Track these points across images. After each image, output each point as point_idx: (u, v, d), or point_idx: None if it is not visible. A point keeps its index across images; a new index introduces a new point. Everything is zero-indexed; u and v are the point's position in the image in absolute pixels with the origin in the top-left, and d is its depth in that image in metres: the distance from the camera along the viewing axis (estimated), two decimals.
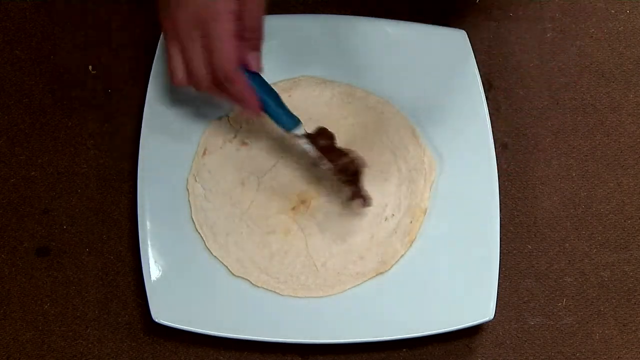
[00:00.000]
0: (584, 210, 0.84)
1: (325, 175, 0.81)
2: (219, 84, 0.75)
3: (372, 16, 0.87)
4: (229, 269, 0.79)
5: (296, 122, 0.78)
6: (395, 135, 0.82)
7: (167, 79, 0.83)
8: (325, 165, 0.79)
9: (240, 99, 0.77)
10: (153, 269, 0.78)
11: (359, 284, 0.79)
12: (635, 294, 0.82)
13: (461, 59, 0.83)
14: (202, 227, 0.80)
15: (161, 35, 0.83)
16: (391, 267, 0.79)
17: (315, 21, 0.85)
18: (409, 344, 0.79)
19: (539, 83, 0.88)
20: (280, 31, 0.84)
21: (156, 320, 0.76)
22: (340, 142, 0.82)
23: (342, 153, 0.79)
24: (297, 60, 0.84)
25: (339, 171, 0.78)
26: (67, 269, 0.82)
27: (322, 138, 0.79)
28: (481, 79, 0.83)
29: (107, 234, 0.83)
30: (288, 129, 0.78)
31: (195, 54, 0.74)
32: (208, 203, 0.80)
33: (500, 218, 0.79)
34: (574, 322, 0.81)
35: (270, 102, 0.78)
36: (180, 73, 0.76)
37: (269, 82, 0.83)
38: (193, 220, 0.80)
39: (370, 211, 0.80)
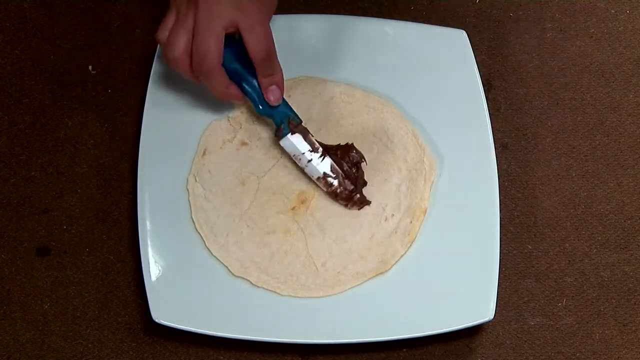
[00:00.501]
0: (584, 210, 0.84)
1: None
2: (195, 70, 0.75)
3: (372, 16, 0.87)
4: (229, 269, 0.79)
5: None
6: (395, 135, 0.82)
7: (168, 78, 0.83)
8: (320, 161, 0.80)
9: (217, 94, 0.77)
10: (153, 269, 0.78)
11: (359, 284, 0.79)
12: (635, 294, 0.82)
13: (461, 59, 0.83)
14: (202, 227, 0.80)
15: None
16: (391, 267, 0.79)
17: (315, 21, 0.85)
18: (409, 344, 0.79)
19: (539, 83, 0.88)
20: (281, 31, 0.84)
21: (156, 320, 0.76)
22: (340, 142, 0.82)
23: (339, 147, 0.81)
24: (297, 60, 0.84)
25: (338, 164, 0.80)
26: (67, 269, 0.82)
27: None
28: (481, 79, 0.83)
29: (107, 234, 0.83)
30: (299, 122, 0.80)
31: (182, 29, 0.73)
32: (208, 203, 0.80)
33: (500, 218, 0.79)
34: (574, 322, 0.81)
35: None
36: (163, 35, 0.75)
37: None
38: (193, 220, 0.80)
39: (370, 211, 0.80)
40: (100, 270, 0.82)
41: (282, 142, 0.80)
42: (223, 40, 0.73)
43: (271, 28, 0.76)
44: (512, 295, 0.81)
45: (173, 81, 0.83)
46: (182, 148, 0.82)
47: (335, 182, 0.79)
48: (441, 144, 0.82)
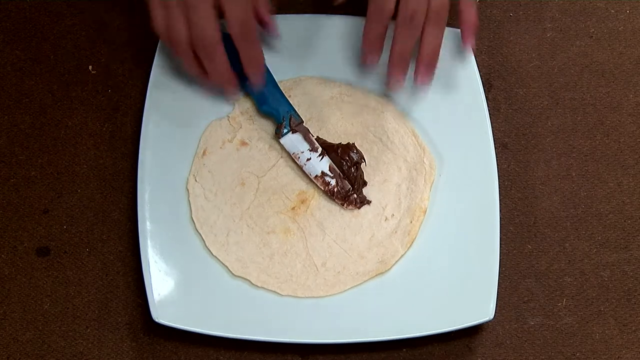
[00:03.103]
0: (584, 210, 0.84)
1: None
2: (196, 53, 0.76)
3: None
4: (229, 269, 0.79)
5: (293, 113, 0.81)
6: (395, 135, 0.82)
7: (168, 78, 0.83)
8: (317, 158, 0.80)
9: (216, 76, 0.78)
10: (153, 269, 0.78)
11: (359, 284, 0.79)
12: (635, 294, 0.82)
13: (461, 59, 0.83)
14: (202, 227, 0.80)
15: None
16: (391, 267, 0.79)
17: (315, 21, 0.85)
18: (409, 344, 0.79)
19: (539, 83, 0.88)
20: (281, 31, 0.84)
21: (156, 320, 0.76)
22: (340, 142, 0.82)
23: (340, 146, 0.81)
24: (297, 60, 0.84)
25: (338, 163, 0.80)
26: (67, 269, 0.82)
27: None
28: (481, 79, 0.83)
29: (107, 234, 0.83)
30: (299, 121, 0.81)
31: (177, 12, 0.74)
32: (208, 203, 0.80)
33: (500, 218, 0.79)
34: (574, 322, 0.81)
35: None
36: (161, 24, 0.76)
37: None
38: (193, 220, 0.80)
39: (370, 211, 0.80)
40: (100, 270, 0.82)
41: (283, 140, 0.80)
42: (215, 15, 0.74)
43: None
44: (512, 295, 0.81)
45: (173, 81, 0.83)
46: (182, 148, 0.82)
47: (333, 182, 0.80)
48: (441, 144, 0.82)
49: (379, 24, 0.79)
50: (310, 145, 0.80)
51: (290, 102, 0.82)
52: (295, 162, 0.81)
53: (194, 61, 0.77)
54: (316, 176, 0.80)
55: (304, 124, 0.81)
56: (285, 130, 0.80)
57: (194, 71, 0.78)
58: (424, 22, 0.78)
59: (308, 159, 0.80)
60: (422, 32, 0.78)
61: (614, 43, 0.89)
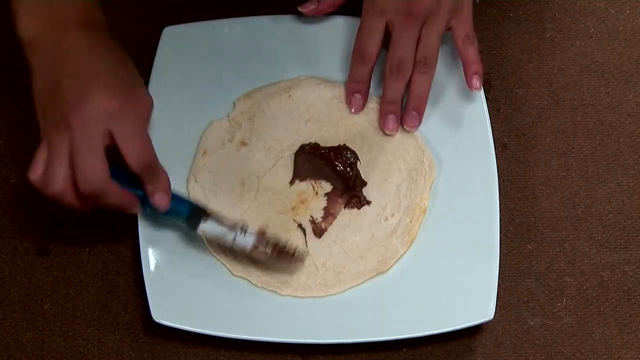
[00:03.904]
0: (584, 210, 0.84)
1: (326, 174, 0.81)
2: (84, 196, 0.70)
3: None
4: (229, 269, 0.79)
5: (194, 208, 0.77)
6: (395, 135, 0.82)
7: (167, 78, 0.83)
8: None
9: (113, 207, 0.73)
10: (153, 269, 0.78)
11: (359, 284, 0.79)
12: (635, 294, 0.82)
13: (459, 59, 0.83)
14: None
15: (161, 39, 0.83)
16: (391, 266, 0.79)
17: (316, 21, 0.85)
18: (409, 344, 0.79)
19: (539, 83, 0.88)
20: (281, 31, 0.84)
21: (156, 320, 0.76)
22: (340, 142, 0.82)
23: (331, 149, 0.81)
24: (297, 60, 0.84)
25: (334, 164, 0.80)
26: (67, 269, 0.82)
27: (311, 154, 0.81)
28: None
29: (107, 234, 0.83)
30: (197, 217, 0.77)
31: (57, 158, 0.68)
32: (208, 203, 0.80)
33: (500, 218, 0.79)
34: (574, 322, 0.81)
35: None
36: (37, 174, 0.69)
37: (269, 81, 0.84)
38: None
39: (370, 211, 0.80)
40: (100, 270, 0.82)
41: (201, 229, 0.76)
42: (104, 154, 0.68)
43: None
44: (512, 295, 0.81)
45: (173, 81, 0.83)
46: (182, 148, 0.82)
47: (268, 249, 0.76)
48: (441, 144, 0.82)
49: (362, 66, 0.80)
50: (227, 226, 0.77)
51: (290, 102, 0.82)
52: (222, 247, 0.78)
53: (78, 202, 0.70)
54: (253, 249, 0.76)
55: (208, 209, 0.77)
56: (199, 220, 0.76)
57: (81, 210, 0.71)
58: (413, 67, 0.78)
59: (234, 238, 0.76)
60: (411, 77, 0.79)
61: (614, 43, 0.89)
